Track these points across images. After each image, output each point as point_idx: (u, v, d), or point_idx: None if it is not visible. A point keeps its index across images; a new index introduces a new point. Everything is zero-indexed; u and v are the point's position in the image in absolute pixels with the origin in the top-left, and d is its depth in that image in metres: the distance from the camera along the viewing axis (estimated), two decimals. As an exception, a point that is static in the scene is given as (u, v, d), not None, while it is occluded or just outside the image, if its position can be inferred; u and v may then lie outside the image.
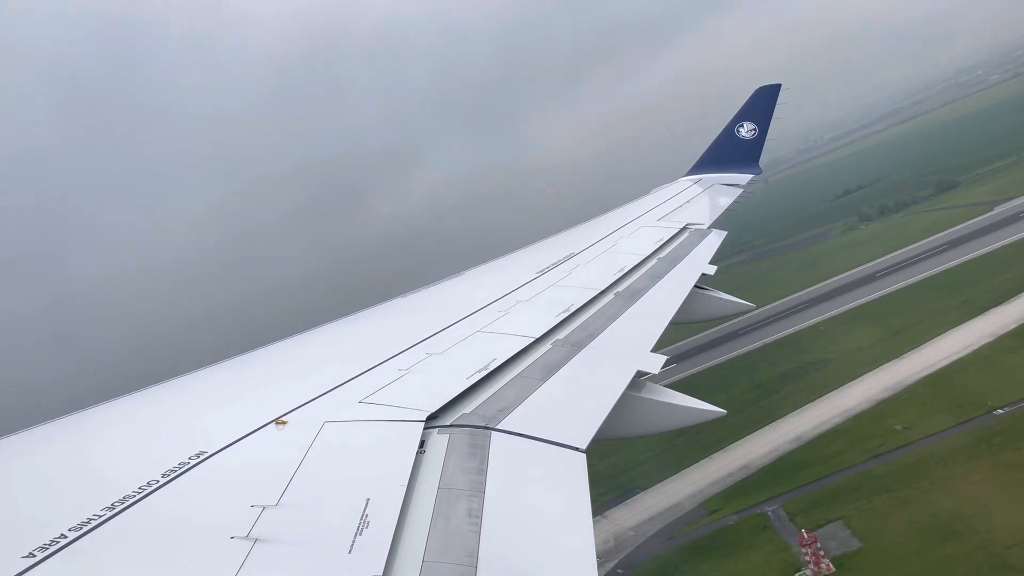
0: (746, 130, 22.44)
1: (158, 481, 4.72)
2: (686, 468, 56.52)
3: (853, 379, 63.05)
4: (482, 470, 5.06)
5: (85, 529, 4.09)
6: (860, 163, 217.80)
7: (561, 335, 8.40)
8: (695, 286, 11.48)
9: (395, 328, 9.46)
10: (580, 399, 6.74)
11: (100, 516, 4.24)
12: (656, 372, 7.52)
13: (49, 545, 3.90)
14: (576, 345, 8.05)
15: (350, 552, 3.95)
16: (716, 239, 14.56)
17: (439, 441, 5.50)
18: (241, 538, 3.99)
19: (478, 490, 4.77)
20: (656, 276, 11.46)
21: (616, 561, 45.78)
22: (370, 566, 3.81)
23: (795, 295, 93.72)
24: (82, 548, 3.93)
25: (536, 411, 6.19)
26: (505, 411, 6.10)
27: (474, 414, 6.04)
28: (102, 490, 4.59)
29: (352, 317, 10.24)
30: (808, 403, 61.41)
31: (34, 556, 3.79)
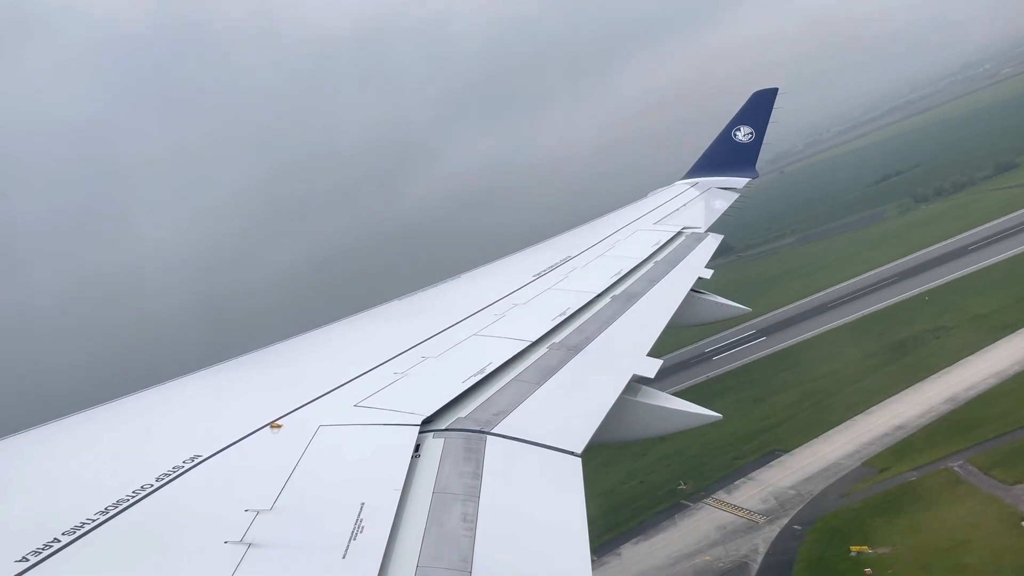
0: (743, 134, 22.47)
1: (152, 485, 4.71)
2: (826, 431, 54.46)
3: (990, 343, 60.45)
4: (477, 474, 5.05)
5: (79, 533, 4.08)
6: (885, 152, 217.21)
7: (557, 339, 8.40)
8: (691, 290, 11.50)
9: (390, 331, 9.45)
10: (576, 403, 6.74)
11: (94, 520, 4.23)
12: (652, 376, 7.52)
13: (43, 549, 3.88)
14: (572, 349, 8.05)
15: (344, 557, 3.94)
16: (713, 243, 14.58)
17: (434, 445, 5.50)
18: (235, 542, 3.98)
19: (473, 494, 4.77)
20: (653, 280, 11.47)
21: (788, 517, 44.42)
22: (364, 571, 3.81)
23: (876, 271, 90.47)
24: (76, 552, 3.92)
25: (532, 415, 6.18)
26: (501, 415, 6.09)
27: (469, 418, 6.04)
28: (96, 494, 4.58)
29: (347, 320, 10.23)
30: (946, 367, 59.03)
31: (28, 560, 3.78)
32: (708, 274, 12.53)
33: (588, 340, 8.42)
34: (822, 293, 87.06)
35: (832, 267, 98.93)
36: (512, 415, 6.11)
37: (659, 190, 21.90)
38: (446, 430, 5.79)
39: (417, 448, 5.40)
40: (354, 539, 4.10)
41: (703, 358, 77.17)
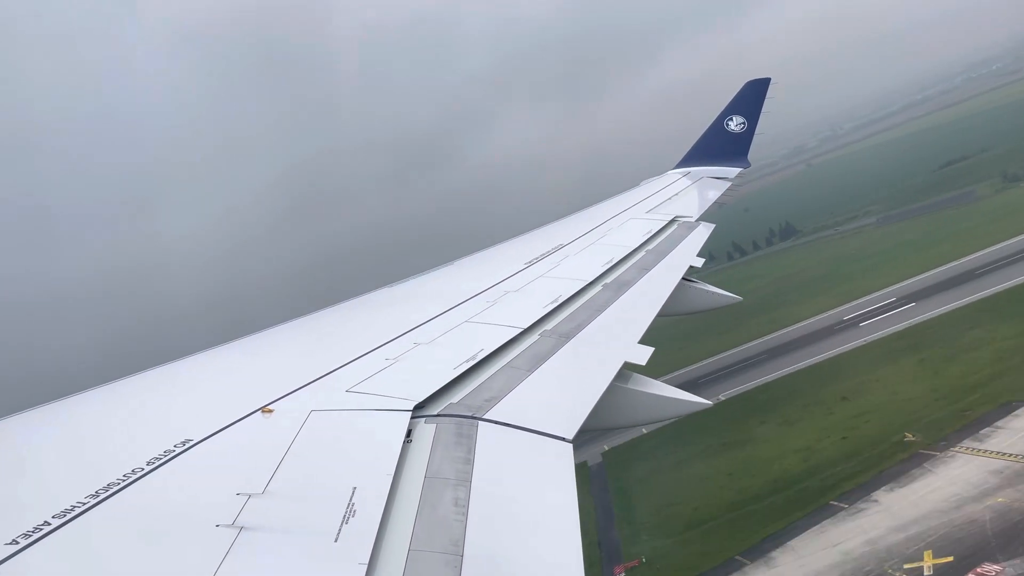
0: (735, 124, 22.46)
1: (143, 468, 4.70)
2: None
3: None
4: (469, 459, 5.07)
5: (69, 516, 4.07)
6: (929, 141, 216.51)
7: (549, 326, 8.41)
8: (683, 278, 11.54)
9: (383, 317, 9.44)
10: (567, 390, 6.76)
11: (85, 503, 4.22)
12: (644, 364, 7.55)
13: (33, 532, 3.87)
14: (564, 336, 8.07)
15: (336, 540, 3.95)
16: (704, 231, 14.61)
17: (426, 430, 5.51)
18: (227, 526, 3.99)
19: (464, 479, 4.79)
20: (644, 268, 11.49)
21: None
22: (356, 554, 3.82)
23: (1014, 240, 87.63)
24: (66, 535, 3.91)
25: (523, 401, 6.20)
26: (492, 401, 6.11)
27: (461, 404, 6.05)
28: (87, 477, 4.56)
29: (340, 306, 10.22)
30: None
31: (17, 543, 3.77)
32: (700, 263, 12.57)
33: (580, 327, 8.44)
34: (960, 261, 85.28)
35: (955, 239, 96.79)
36: (504, 401, 6.13)
37: (651, 179, 21.89)
38: (438, 416, 5.80)
39: (409, 433, 5.40)
40: (346, 523, 4.11)
41: (847, 325, 77.51)
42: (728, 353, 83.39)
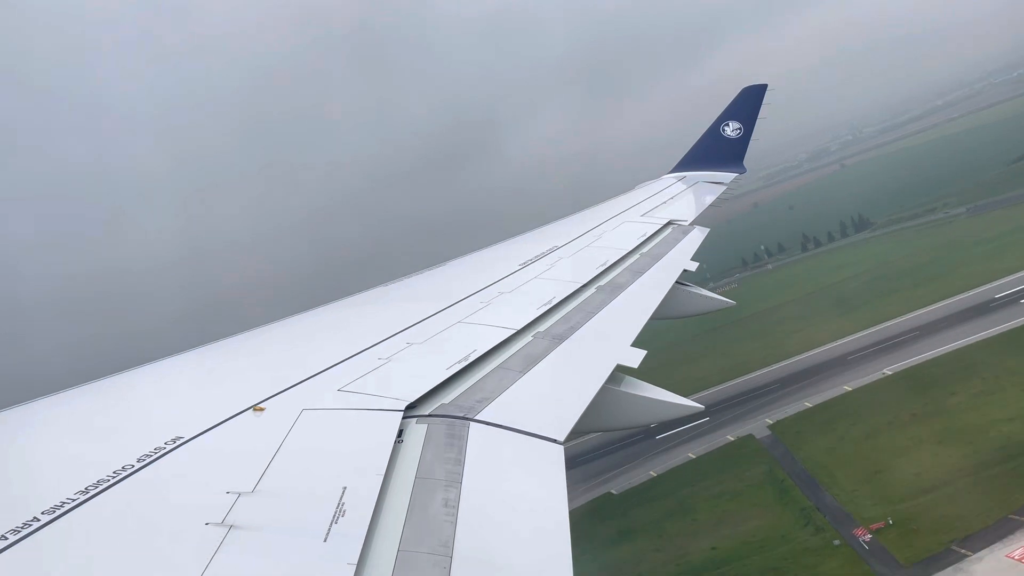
0: (731, 129, 22.53)
1: (133, 466, 4.70)
2: None
3: None
4: (460, 460, 5.07)
5: (58, 513, 4.06)
6: (975, 140, 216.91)
7: (542, 327, 8.42)
8: (677, 282, 11.56)
9: (375, 317, 9.44)
10: (559, 392, 6.77)
11: (74, 500, 4.21)
12: (636, 366, 7.56)
13: (21, 528, 3.87)
14: (557, 338, 8.08)
15: (325, 540, 3.95)
16: (699, 235, 14.65)
17: (417, 431, 5.51)
18: (216, 524, 3.98)
19: (455, 480, 4.79)
20: (638, 271, 11.51)
21: None
22: (345, 554, 3.82)
23: None
24: (55, 532, 3.91)
25: (515, 403, 6.20)
26: (484, 402, 6.11)
27: (453, 404, 6.05)
28: (77, 474, 4.56)
29: (332, 305, 10.21)
30: None
31: (6, 539, 3.76)
32: (693, 266, 12.60)
33: (573, 329, 8.45)
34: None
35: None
36: (496, 402, 6.13)
37: (646, 183, 21.94)
38: (429, 416, 5.80)
39: (400, 433, 5.41)
40: (336, 523, 4.11)
41: (1003, 302, 77.44)
42: (874, 329, 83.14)
